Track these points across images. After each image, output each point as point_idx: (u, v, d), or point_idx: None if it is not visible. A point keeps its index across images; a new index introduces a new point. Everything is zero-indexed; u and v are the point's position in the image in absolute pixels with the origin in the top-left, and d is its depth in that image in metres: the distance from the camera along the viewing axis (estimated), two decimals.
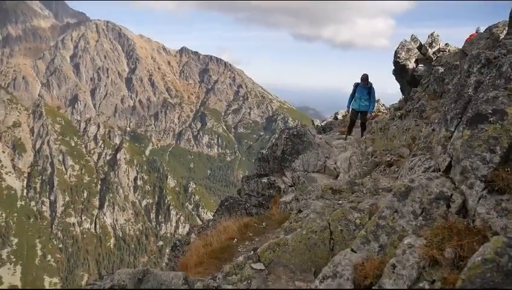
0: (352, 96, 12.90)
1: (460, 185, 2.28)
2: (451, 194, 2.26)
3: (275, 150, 11.92)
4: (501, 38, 10.58)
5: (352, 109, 13.15)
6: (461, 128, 2.45)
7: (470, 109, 2.50)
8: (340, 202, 4.16)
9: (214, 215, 15.38)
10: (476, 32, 16.75)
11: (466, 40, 15.81)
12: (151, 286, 3.69)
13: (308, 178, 9.53)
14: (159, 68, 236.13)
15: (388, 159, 8.55)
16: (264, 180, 10.83)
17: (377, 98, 14.52)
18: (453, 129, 2.95)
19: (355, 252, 2.31)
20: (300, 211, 3.78)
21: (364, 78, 12.48)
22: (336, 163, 10.67)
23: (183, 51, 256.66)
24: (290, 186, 10.48)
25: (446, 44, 14.45)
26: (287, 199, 9.26)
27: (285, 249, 3.30)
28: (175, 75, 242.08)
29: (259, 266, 3.22)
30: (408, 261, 1.96)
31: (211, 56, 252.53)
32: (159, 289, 3.70)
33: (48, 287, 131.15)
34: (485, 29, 12.08)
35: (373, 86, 12.72)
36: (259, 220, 8.52)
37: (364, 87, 12.55)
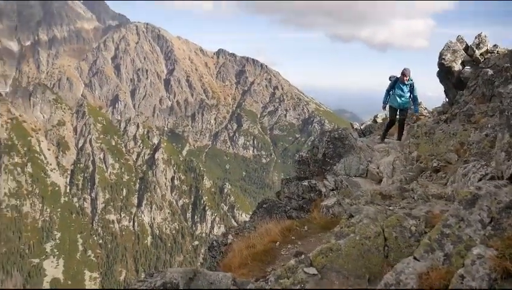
0: (389, 91, 11.93)
1: None
2: None
3: (316, 152, 11.85)
4: None
5: (391, 106, 12.11)
6: None
7: None
8: (391, 207, 4.09)
9: (251, 217, 15.44)
10: None
11: None
12: (201, 285, 3.76)
13: (351, 182, 9.41)
14: (196, 69, 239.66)
15: (435, 164, 8.32)
16: (305, 183, 10.77)
17: (419, 101, 13.22)
18: None
19: (418, 260, 2.26)
20: (351, 216, 3.74)
21: (406, 73, 11.44)
22: (378, 167, 10.48)
23: (220, 52, 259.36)
24: (331, 190, 10.37)
25: (494, 45, 13.88)
26: (329, 203, 9.16)
27: (338, 255, 3.27)
28: (212, 76, 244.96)
29: (312, 270, 3.21)
30: (478, 273, 1.90)
31: (248, 57, 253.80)
32: (209, 289, 3.76)
33: (87, 282, 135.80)
34: None
35: (414, 83, 11.74)
36: (301, 223, 8.49)
37: (404, 84, 11.54)
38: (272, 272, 6.32)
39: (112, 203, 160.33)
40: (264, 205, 13.42)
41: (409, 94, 11.66)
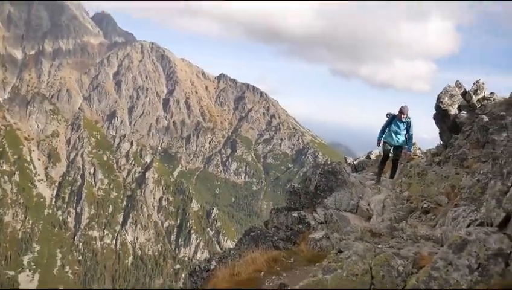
0: (385, 128, 11.74)
1: None
2: (510, 252, 2.18)
3: (308, 184, 11.84)
4: None
5: (385, 143, 11.87)
6: None
7: None
8: (380, 246, 4.07)
9: (236, 245, 15.26)
10: None
11: None
12: None
13: (341, 217, 9.38)
14: (196, 92, 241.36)
15: (425, 206, 8.35)
16: (295, 214, 10.73)
17: (413, 141, 13.07)
18: (509, 184, 2.87)
19: None
20: (340, 251, 3.72)
21: (404, 110, 11.28)
22: (369, 204, 10.48)
23: (221, 77, 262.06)
24: (320, 223, 10.33)
25: (491, 93, 14.14)
26: (317, 236, 9.11)
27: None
28: (211, 100, 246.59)
29: None
30: None
31: (248, 84, 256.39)
32: None
33: None
34: None
35: (411, 122, 11.59)
36: (288, 255, 8.40)
37: (402, 121, 11.38)
38: None
39: (96, 220, 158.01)
40: (251, 233, 13.28)
41: (404, 132, 11.50)
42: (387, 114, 12.13)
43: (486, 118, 10.96)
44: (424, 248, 3.89)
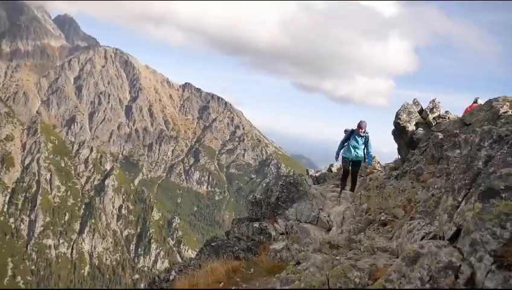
0: (343, 143, 11.75)
1: (469, 257, 2.29)
2: (460, 265, 2.27)
3: (269, 195, 11.88)
4: (501, 112, 10.90)
5: (344, 158, 11.86)
6: (473, 201, 2.50)
7: (483, 182, 2.56)
8: (338, 257, 4.13)
9: (197, 255, 15.08)
10: (475, 102, 17.22)
11: (466, 110, 16.22)
12: None
13: (301, 228, 9.47)
14: (160, 100, 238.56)
15: (383, 218, 8.55)
16: (256, 225, 10.73)
17: (372, 155, 13.13)
18: (460, 199, 3.00)
19: None
20: (299, 263, 3.75)
21: (362, 125, 11.30)
22: (329, 216, 10.62)
23: (186, 86, 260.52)
24: (281, 234, 10.38)
25: (446, 111, 14.80)
26: (278, 247, 9.14)
27: None
28: (175, 108, 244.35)
29: None
30: None
31: (213, 94, 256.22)
32: None
33: None
34: (485, 102, 12.43)
35: (370, 136, 11.70)
36: (248, 265, 8.39)
37: (360, 136, 11.43)
38: None
39: (51, 228, 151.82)
40: (212, 244, 13.17)
41: (363, 146, 11.60)
42: (345, 130, 12.45)
43: (441, 135, 11.44)
44: (380, 260, 3.98)
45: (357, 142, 11.46)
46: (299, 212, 10.75)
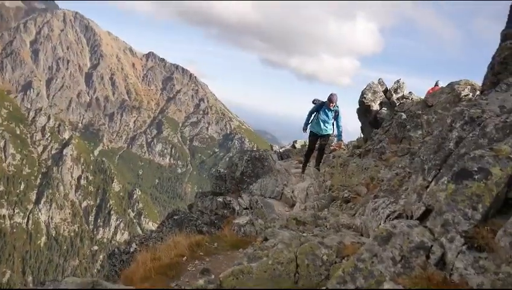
0: (311, 114, 11.11)
1: (440, 237, 2.30)
2: (432, 245, 2.27)
3: (234, 170, 11.83)
4: (462, 95, 11.20)
5: (312, 133, 11.24)
6: (446, 181, 2.50)
7: (456, 163, 2.57)
8: (304, 234, 4.13)
9: (158, 227, 14.94)
10: (436, 85, 17.61)
11: (428, 92, 16.60)
12: None
13: (266, 203, 9.50)
14: (122, 68, 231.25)
15: (346, 195, 8.68)
16: (220, 199, 10.69)
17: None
18: (430, 179, 3.02)
19: None
20: (266, 239, 3.71)
21: (333, 99, 10.56)
22: (293, 192, 10.71)
23: (150, 55, 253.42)
24: (245, 208, 10.39)
25: (410, 92, 15.12)
26: (241, 221, 9.14)
27: (249, 278, 3.20)
28: (138, 78, 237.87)
29: None
30: None
31: (177, 65, 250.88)
32: None
33: None
34: (447, 85, 12.74)
35: (340, 110, 10.94)
36: (211, 239, 8.34)
37: (330, 109, 10.69)
38: (174, 287, 6.08)
39: (5, 197, 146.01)
40: (175, 217, 13.06)
41: (332, 121, 10.96)
42: (313, 100, 11.50)
43: (404, 116, 11.67)
44: (346, 238, 4.00)
45: (327, 116, 10.81)
46: (263, 188, 10.78)
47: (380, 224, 4.65)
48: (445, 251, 2.23)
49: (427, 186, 3.02)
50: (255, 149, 12.55)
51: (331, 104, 10.58)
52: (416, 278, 2.13)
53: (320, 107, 10.89)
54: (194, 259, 7.18)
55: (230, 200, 10.67)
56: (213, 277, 3.36)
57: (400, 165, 6.60)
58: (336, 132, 11.30)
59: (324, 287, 2.29)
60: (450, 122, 3.06)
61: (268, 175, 10.95)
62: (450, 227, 2.26)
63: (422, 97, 15.54)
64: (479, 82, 12.39)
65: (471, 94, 10.92)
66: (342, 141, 11.74)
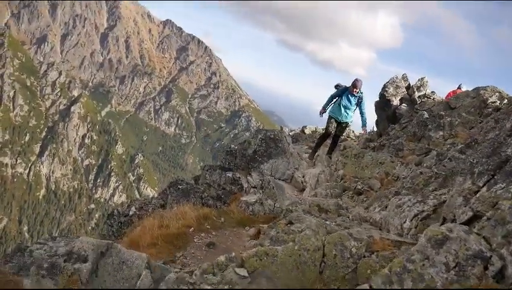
0: (333, 98, 10.55)
1: (499, 248, 2.12)
2: (491, 256, 2.09)
3: (246, 147, 11.65)
4: (489, 101, 10.90)
5: (331, 117, 10.68)
6: (511, 190, 2.31)
7: None
8: (327, 222, 3.97)
9: (160, 195, 14.89)
10: (459, 88, 17.22)
11: (449, 94, 16.28)
12: (112, 262, 3.33)
13: (277, 185, 9.34)
14: (138, 33, 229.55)
15: (359, 187, 8.51)
16: (229, 174, 10.54)
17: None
18: (480, 184, 2.82)
19: None
20: (291, 223, 3.54)
21: (358, 84, 10.03)
22: (303, 176, 10.55)
23: (167, 23, 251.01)
24: (253, 187, 10.25)
25: (432, 92, 14.78)
26: (250, 199, 9.01)
27: (273, 261, 3.05)
28: (153, 44, 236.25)
29: (242, 272, 2.94)
30: None
31: (194, 36, 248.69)
32: (118, 269, 3.35)
33: None
34: (473, 89, 12.44)
35: (364, 97, 10.38)
36: (218, 214, 8.23)
37: (353, 95, 10.18)
38: (180, 257, 5.98)
39: (10, 146, 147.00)
40: (180, 186, 12.97)
41: (354, 108, 10.47)
42: (336, 85, 11.00)
43: (426, 115, 11.39)
44: (373, 232, 3.84)
45: (350, 102, 10.26)
46: (274, 169, 10.62)
47: (404, 222, 4.48)
48: (506, 263, 2.06)
49: (477, 191, 2.82)
50: (270, 129, 12.35)
51: (354, 90, 10.07)
52: (471, 289, 1.97)
53: (343, 93, 10.38)
54: (200, 231, 7.07)
55: (239, 177, 10.53)
56: (233, 254, 3.20)
57: (425, 165, 6.41)
58: (360, 118, 10.80)
59: (368, 287, 2.12)
60: (510, 126, 2.85)
61: (281, 157, 10.77)
62: None
63: (443, 98, 15.24)
64: (505, 90, 12.10)
65: (498, 102, 10.62)
66: (365, 127, 11.00)
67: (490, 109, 10.22)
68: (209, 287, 2.72)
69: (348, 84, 10.38)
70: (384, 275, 2.13)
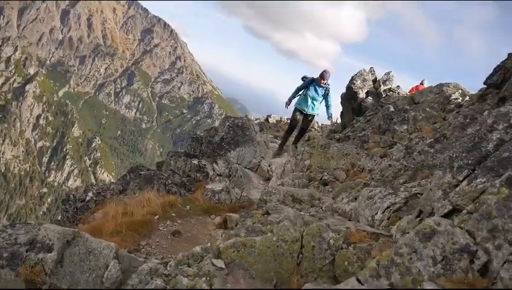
0: (299, 90, 10.49)
1: (484, 243, 2.13)
2: (477, 250, 2.10)
3: (213, 134, 11.49)
4: (452, 97, 11.24)
5: (298, 109, 10.64)
6: (498, 185, 2.32)
7: (510, 167, 2.40)
8: (302, 212, 3.93)
9: (119, 180, 14.48)
10: (421, 84, 17.66)
11: (412, 89, 16.71)
12: (78, 252, 3.15)
13: (245, 173, 9.28)
14: (102, 11, 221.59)
15: (325, 178, 8.56)
16: (195, 161, 10.36)
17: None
18: (460, 178, 2.84)
19: (362, 284, 2.06)
20: (268, 213, 3.47)
21: (326, 76, 9.95)
22: (270, 166, 10.53)
23: (132, 3, 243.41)
24: (219, 175, 10.14)
25: (397, 86, 15.11)
26: (216, 187, 8.88)
27: (250, 252, 2.96)
28: (117, 24, 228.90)
29: (219, 263, 2.84)
30: None
31: (160, 18, 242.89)
32: (85, 259, 3.17)
33: None
34: (437, 85, 12.81)
35: (330, 89, 10.31)
36: (184, 201, 8.08)
37: (321, 87, 10.09)
38: (145, 246, 5.80)
39: None
40: (141, 172, 12.66)
41: (321, 99, 10.39)
42: (302, 77, 10.90)
43: (392, 108, 11.61)
44: (348, 223, 3.83)
45: (317, 93, 10.19)
46: (241, 157, 10.54)
47: (376, 213, 4.51)
48: (491, 257, 2.07)
49: (457, 185, 2.85)
50: (238, 117, 12.23)
51: (322, 81, 10.01)
52: (457, 283, 1.96)
53: (310, 84, 10.31)
54: (166, 219, 6.90)
55: (205, 165, 10.37)
56: (209, 244, 3.10)
57: (394, 158, 6.51)
58: (326, 109, 10.69)
59: (355, 280, 2.08)
60: (491, 122, 2.87)
61: (248, 145, 10.69)
62: (499, 233, 2.09)
63: (407, 93, 15.63)
64: (466, 87, 12.54)
65: (460, 98, 10.97)
66: (332, 117, 10.86)
67: (453, 105, 10.54)
68: (185, 280, 2.61)
69: (315, 76, 10.38)
70: (372, 268, 2.10)
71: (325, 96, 10.31)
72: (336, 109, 17.87)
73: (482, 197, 2.38)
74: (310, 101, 10.33)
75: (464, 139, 3.07)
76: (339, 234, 3.19)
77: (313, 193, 4.96)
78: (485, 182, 2.58)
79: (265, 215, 3.45)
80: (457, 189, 2.79)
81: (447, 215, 2.75)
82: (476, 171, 2.76)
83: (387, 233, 3.44)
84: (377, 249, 2.98)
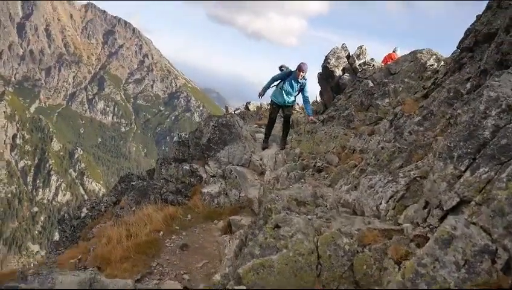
0: (275, 80, 10.15)
1: (502, 240, 2.20)
2: (496, 249, 2.16)
3: (199, 136, 11.44)
4: (427, 64, 11.35)
5: (273, 102, 10.45)
6: (504, 179, 2.38)
7: None
8: (309, 217, 3.96)
9: (111, 191, 14.35)
10: (394, 52, 17.74)
11: (385, 58, 16.78)
12: None
13: (239, 173, 9.28)
14: (59, 19, 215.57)
15: (318, 164, 8.61)
16: (186, 167, 10.34)
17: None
18: (463, 169, 2.90)
19: None
20: (278, 227, 3.50)
21: (304, 68, 9.64)
22: (261, 159, 10.55)
23: (89, 6, 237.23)
24: (212, 176, 10.13)
25: (371, 59, 15.16)
26: (212, 191, 8.90)
27: (270, 272, 3.00)
28: (76, 30, 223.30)
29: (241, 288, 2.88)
30: None
31: (120, 18, 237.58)
32: None
33: None
34: (410, 53, 12.89)
35: (307, 83, 10.12)
36: (184, 211, 8.09)
37: (297, 81, 9.83)
38: (157, 266, 5.81)
39: None
40: (133, 182, 12.58)
41: (296, 93, 10.23)
42: (280, 67, 10.60)
43: (371, 83, 11.68)
44: (356, 221, 3.89)
45: (292, 88, 9.99)
46: (231, 155, 10.53)
47: (380, 203, 4.57)
48: (511, 254, 2.13)
49: (460, 176, 2.91)
50: (221, 115, 12.18)
51: (300, 74, 9.71)
52: (484, 285, 2.03)
53: (287, 76, 10.03)
54: (170, 233, 6.92)
55: (197, 168, 10.35)
56: (227, 270, 3.14)
57: (384, 139, 6.56)
58: (304, 106, 10.66)
59: None
60: (483, 109, 2.93)
61: (236, 142, 10.68)
62: None
63: (382, 65, 15.71)
64: (441, 53, 12.66)
65: (435, 64, 11.08)
66: (311, 115, 10.67)
67: (429, 72, 10.65)
68: None
69: (288, 63, 10.34)
70: (398, 282, 2.16)
71: (301, 90, 10.16)
72: (314, 88, 17.91)
73: (492, 192, 2.43)
74: (284, 95, 10.11)
75: (458, 127, 3.12)
76: (352, 238, 3.25)
77: (315, 192, 5.00)
78: (488, 171, 2.65)
79: (276, 229, 3.48)
80: (462, 180, 2.85)
81: (455, 208, 2.81)
82: (477, 161, 2.82)
83: (397, 227, 3.51)
84: (393, 248, 3.04)
